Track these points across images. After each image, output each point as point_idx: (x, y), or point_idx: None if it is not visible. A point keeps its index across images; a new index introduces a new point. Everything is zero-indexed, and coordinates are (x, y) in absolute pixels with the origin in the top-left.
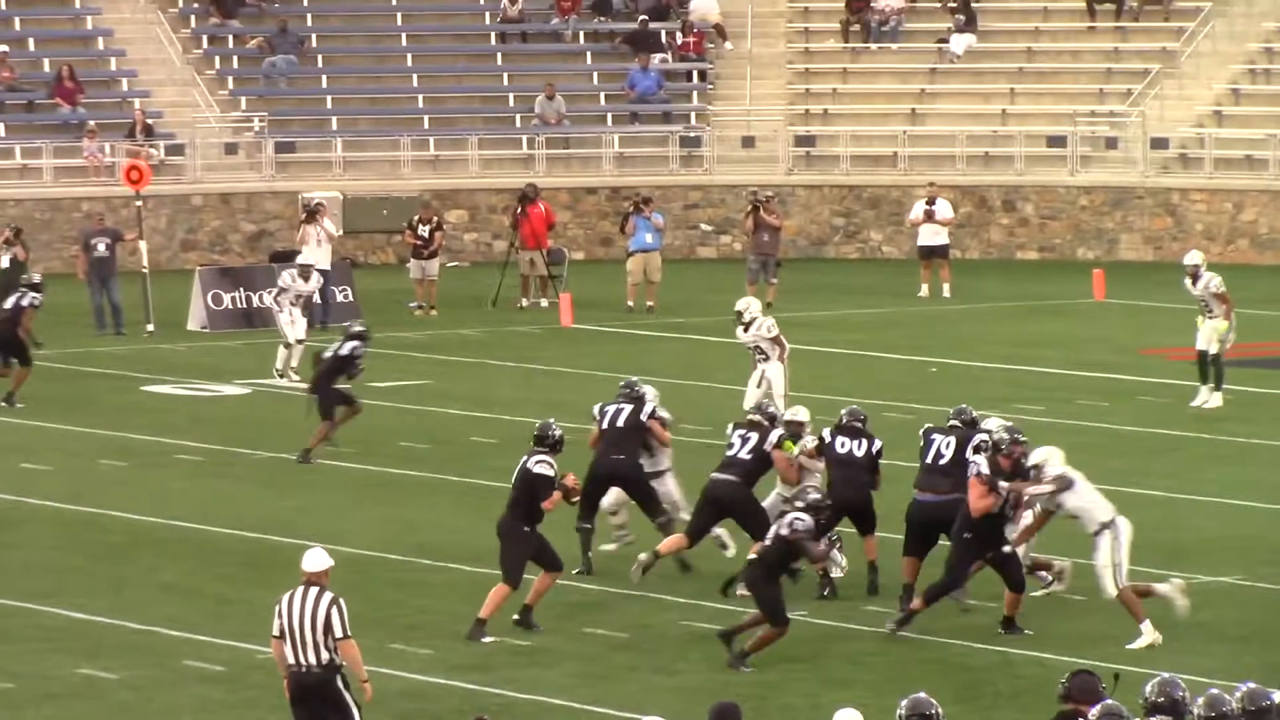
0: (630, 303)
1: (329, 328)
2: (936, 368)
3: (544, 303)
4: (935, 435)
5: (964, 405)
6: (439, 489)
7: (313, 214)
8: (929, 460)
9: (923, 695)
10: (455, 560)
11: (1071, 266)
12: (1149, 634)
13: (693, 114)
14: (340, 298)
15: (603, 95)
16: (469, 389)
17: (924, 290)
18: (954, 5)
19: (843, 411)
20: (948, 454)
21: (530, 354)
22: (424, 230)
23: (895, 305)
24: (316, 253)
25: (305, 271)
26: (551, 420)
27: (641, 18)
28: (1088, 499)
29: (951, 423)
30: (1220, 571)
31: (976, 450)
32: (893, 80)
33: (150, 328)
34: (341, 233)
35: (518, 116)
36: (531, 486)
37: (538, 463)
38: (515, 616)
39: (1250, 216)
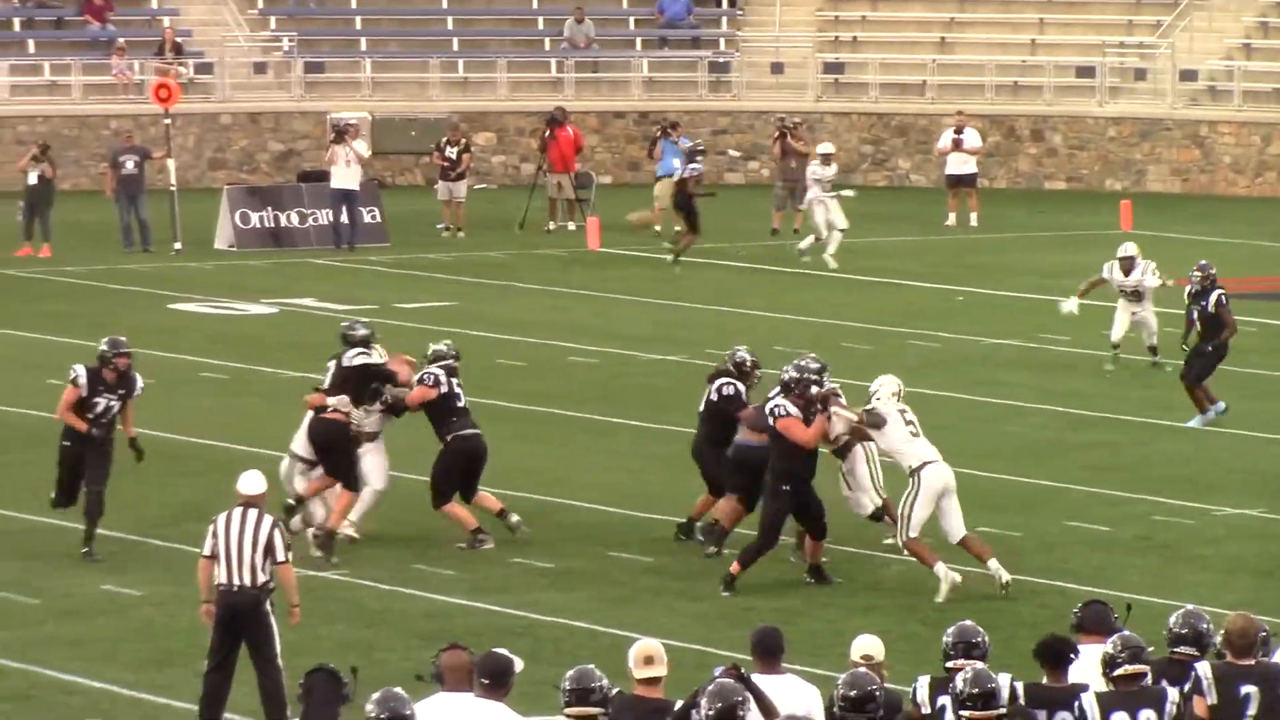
0: (658, 226)
1: (356, 248)
2: (964, 297)
3: (571, 226)
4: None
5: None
6: None
7: (342, 134)
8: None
9: (969, 623)
10: (480, 482)
11: (1099, 197)
12: (944, 578)
13: (722, 39)
14: (368, 218)
15: (632, 20)
16: (495, 311)
17: (951, 219)
18: None
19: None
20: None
21: (557, 277)
22: (452, 152)
23: (922, 234)
24: (345, 174)
25: (828, 160)
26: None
27: None
28: (896, 441)
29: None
30: (1245, 505)
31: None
32: (922, 8)
33: (178, 246)
34: (371, 154)
35: (547, 39)
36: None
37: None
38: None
39: (1278, 149)
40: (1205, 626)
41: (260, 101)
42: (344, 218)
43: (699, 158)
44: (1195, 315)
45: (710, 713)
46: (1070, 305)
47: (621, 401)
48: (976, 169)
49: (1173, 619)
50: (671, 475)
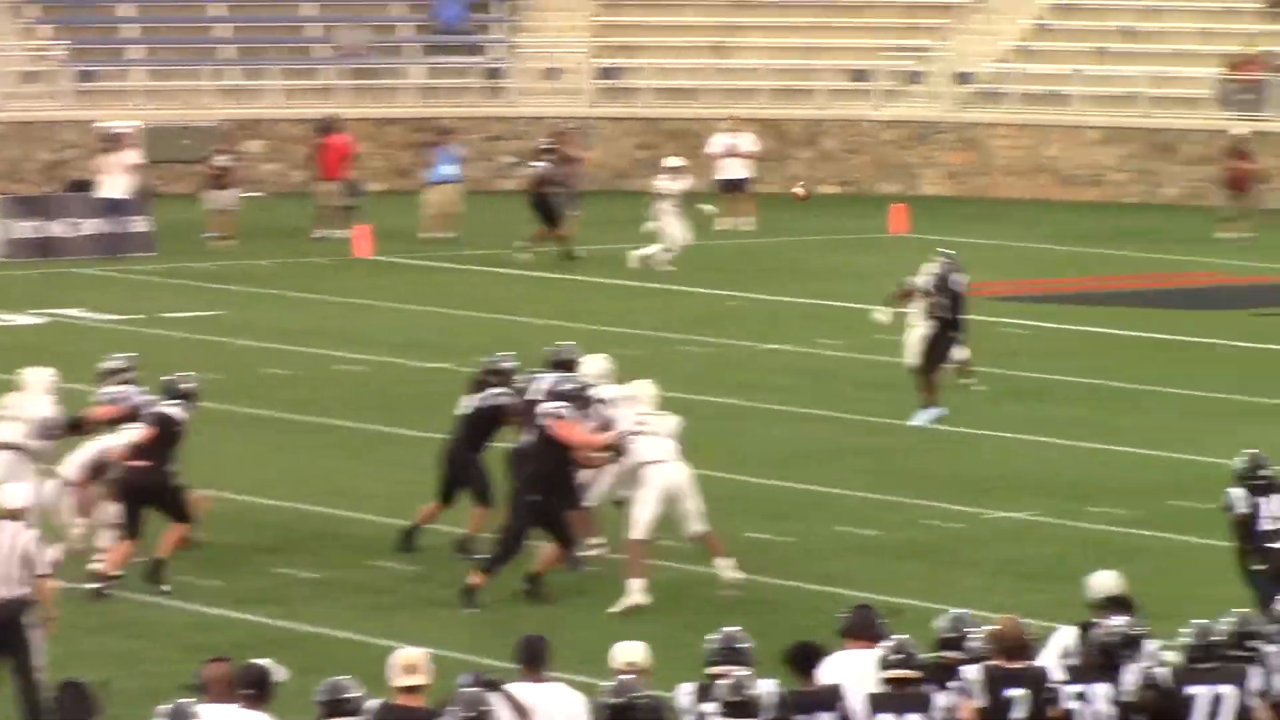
0: (429, 234)
1: (125, 258)
2: (736, 301)
3: (340, 233)
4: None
5: (497, 356)
6: (227, 420)
7: (112, 143)
8: None
9: (735, 630)
10: (243, 492)
11: (872, 201)
12: (631, 596)
13: (497, 45)
14: (138, 227)
15: (406, 26)
16: (262, 320)
17: (725, 223)
18: None
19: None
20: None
21: (326, 285)
22: (222, 161)
23: (696, 239)
24: (116, 182)
25: (677, 173)
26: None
27: None
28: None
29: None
30: (1015, 508)
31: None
32: (696, 14)
33: None
34: (142, 162)
35: (320, 46)
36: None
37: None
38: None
39: (1053, 152)
40: (973, 630)
41: (30, 110)
42: (113, 227)
43: (546, 157)
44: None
45: None
46: (882, 315)
47: (390, 410)
48: (750, 173)
49: (940, 622)
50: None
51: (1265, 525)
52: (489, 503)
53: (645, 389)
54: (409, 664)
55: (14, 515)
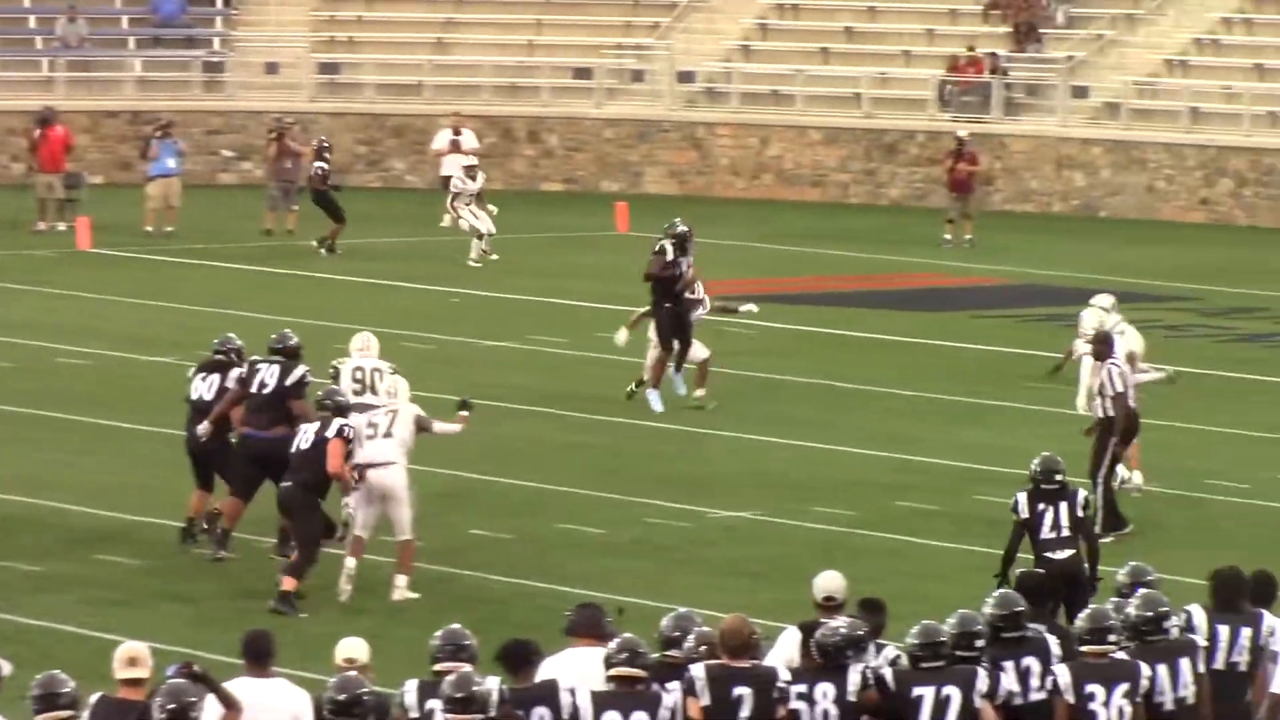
0: (149, 227)
1: None
2: (459, 298)
3: (61, 226)
4: (260, 365)
5: (286, 331)
6: None
7: None
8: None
9: (458, 627)
10: None
11: (595, 199)
12: (342, 582)
13: (216, 39)
14: None
15: (125, 19)
16: None
17: (447, 220)
18: None
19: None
20: (271, 384)
21: (46, 278)
22: None
23: (418, 235)
24: None
25: (472, 172)
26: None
27: None
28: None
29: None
30: (740, 507)
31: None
32: (418, 8)
33: None
34: None
35: (38, 39)
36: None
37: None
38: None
39: (776, 151)
40: (698, 629)
41: None
42: None
43: (326, 153)
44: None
45: (162, 715)
46: (621, 338)
47: (113, 403)
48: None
49: (665, 622)
50: (166, 476)
51: (1045, 534)
52: (211, 488)
53: (396, 385)
54: (131, 656)
55: None
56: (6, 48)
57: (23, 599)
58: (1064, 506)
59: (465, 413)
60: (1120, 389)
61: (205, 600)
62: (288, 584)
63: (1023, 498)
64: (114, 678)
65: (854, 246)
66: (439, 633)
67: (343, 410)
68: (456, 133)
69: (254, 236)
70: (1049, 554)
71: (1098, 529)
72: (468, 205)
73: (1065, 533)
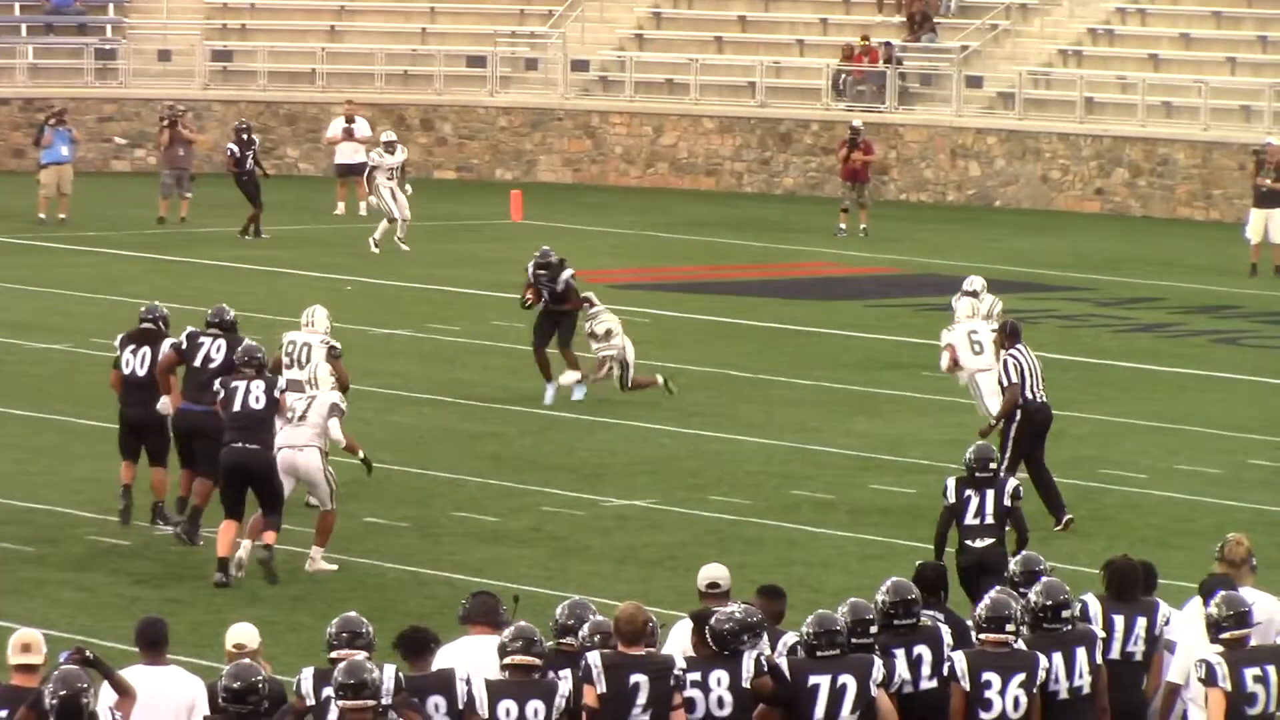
0: (42, 215)
1: None
2: (352, 286)
3: None
4: (203, 339)
5: (222, 305)
6: None
7: None
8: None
9: (353, 614)
10: None
11: (490, 187)
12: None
13: (109, 26)
14: None
15: (17, 5)
16: None
17: (340, 208)
18: None
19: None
20: (218, 359)
21: None
22: None
23: (312, 223)
24: None
25: (390, 147)
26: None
27: None
28: None
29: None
30: (634, 495)
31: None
32: None
33: None
34: None
35: None
36: None
37: None
38: None
39: (670, 140)
40: (594, 616)
41: None
42: None
43: (245, 135)
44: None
45: (54, 701)
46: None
47: (3, 391)
48: (366, 159)
49: (559, 610)
50: (56, 464)
51: (969, 520)
52: (164, 463)
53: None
54: (25, 643)
55: None
56: None
57: None
58: (990, 495)
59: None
60: (1014, 380)
61: (99, 588)
62: (269, 538)
63: (951, 483)
64: (7, 664)
65: (749, 235)
66: (335, 620)
67: (262, 366)
68: (350, 120)
69: (147, 224)
70: (969, 541)
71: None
72: (389, 182)
73: (989, 520)
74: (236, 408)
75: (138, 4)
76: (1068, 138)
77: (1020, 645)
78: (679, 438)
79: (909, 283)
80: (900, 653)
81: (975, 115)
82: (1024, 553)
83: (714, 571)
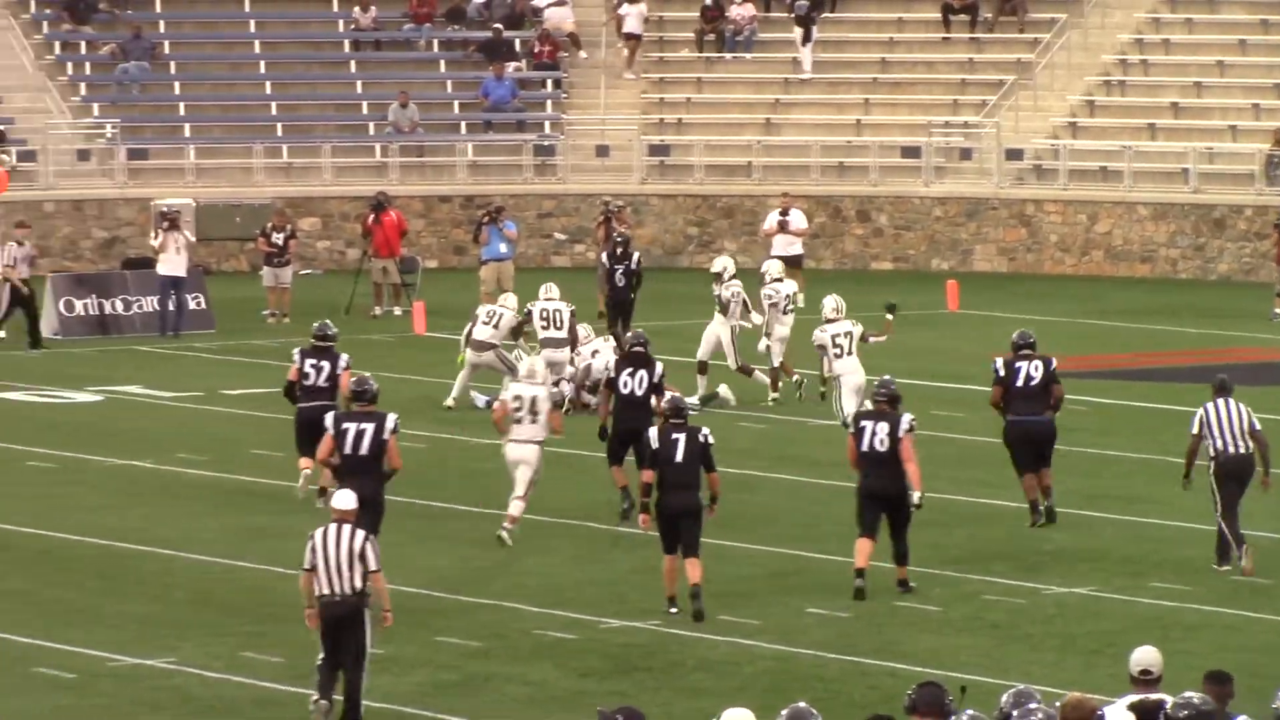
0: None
1: (181, 335)
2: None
3: (397, 311)
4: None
5: (325, 321)
6: (287, 496)
7: (173, 222)
8: None
9: (803, 704)
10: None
11: (926, 277)
12: None
13: (547, 123)
14: (194, 305)
15: (456, 104)
16: None
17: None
18: (799, 19)
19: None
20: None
21: (383, 362)
22: (278, 238)
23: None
24: (174, 260)
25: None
26: None
27: (496, 26)
28: None
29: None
30: (1074, 583)
31: None
32: (747, 90)
33: (1, 334)
34: (195, 240)
35: (371, 124)
36: None
37: None
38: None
39: (1104, 228)
40: (1035, 704)
41: (84, 189)
42: (171, 304)
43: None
44: None
45: None
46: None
47: (446, 486)
48: (803, 250)
49: (1004, 697)
50: (504, 557)
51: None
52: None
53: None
54: None
55: (345, 518)
56: (341, 134)
57: (365, 682)
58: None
59: (890, 316)
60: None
61: (540, 683)
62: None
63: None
64: None
65: (1184, 322)
66: (784, 711)
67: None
68: (785, 213)
69: (587, 317)
70: None
71: None
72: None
73: None
74: None
75: (575, 100)
76: None
77: None
78: (1118, 525)
79: None
80: None
81: None
82: (1019, 688)
83: (1146, 656)
